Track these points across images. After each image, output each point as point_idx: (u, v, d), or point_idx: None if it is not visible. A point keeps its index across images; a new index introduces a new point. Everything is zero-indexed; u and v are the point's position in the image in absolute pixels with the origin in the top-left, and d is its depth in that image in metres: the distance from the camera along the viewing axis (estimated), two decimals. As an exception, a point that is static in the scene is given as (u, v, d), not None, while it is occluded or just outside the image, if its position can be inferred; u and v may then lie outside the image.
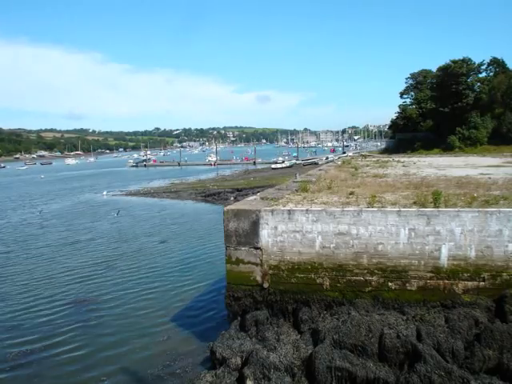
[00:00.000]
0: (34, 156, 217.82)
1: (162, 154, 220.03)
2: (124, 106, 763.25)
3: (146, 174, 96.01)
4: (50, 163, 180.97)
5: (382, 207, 12.83)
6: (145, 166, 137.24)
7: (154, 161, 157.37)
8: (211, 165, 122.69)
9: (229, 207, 14.00)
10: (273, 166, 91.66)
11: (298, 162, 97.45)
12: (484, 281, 11.71)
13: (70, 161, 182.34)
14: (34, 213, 43.07)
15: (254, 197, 16.14)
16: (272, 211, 13.09)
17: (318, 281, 12.81)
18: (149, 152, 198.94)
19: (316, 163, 79.84)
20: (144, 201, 50.52)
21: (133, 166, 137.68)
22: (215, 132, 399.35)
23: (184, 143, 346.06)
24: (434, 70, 62.25)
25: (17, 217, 41.38)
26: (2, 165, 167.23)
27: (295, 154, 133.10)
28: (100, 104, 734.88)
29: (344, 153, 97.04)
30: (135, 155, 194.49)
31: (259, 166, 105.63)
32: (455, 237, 11.77)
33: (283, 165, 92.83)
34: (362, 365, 10.51)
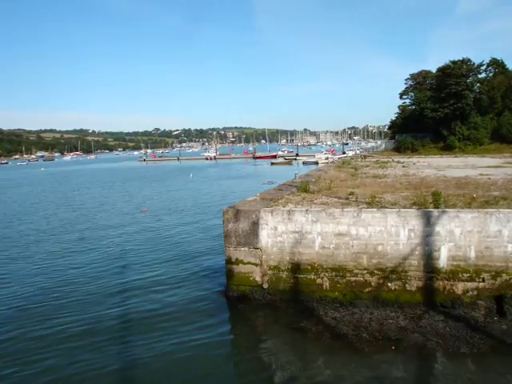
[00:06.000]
0: (34, 156, 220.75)
1: (161, 151, 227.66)
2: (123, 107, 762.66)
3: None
4: (53, 159, 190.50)
5: (382, 208, 12.83)
6: (144, 160, 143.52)
7: (153, 155, 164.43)
8: (209, 159, 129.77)
9: (228, 207, 13.99)
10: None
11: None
12: (484, 281, 11.69)
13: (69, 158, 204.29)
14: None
15: (254, 197, 16.12)
16: (272, 211, 13.09)
17: (317, 281, 12.80)
18: (149, 151, 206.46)
19: (316, 162, 79.73)
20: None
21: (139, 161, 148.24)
22: (215, 132, 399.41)
23: (184, 143, 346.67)
24: (434, 70, 62.34)
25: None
26: (4, 161, 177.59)
27: (291, 150, 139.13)
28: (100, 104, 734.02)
29: (344, 153, 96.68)
30: (135, 153, 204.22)
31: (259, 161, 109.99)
32: (455, 237, 11.76)
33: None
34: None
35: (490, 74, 60.33)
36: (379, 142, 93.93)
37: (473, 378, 9.22)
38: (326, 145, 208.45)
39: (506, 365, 9.60)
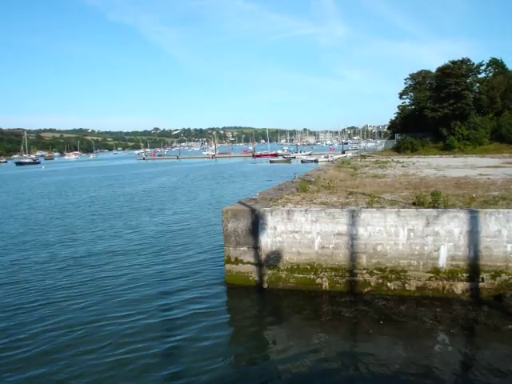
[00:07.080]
0: (33, 156, 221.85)
1: (159, 151, 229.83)
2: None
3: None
4: (53, 158, 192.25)
5: (381, 207, 12.84)
6: (143, 159, 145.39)
7: (152, 154, 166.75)
8: (209, 157, 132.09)
9: (228, 207, 14.00)
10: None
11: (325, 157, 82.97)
12: (483, 281, 11.71)
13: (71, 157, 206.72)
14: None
15: (254, 197, 16.13)
16: (271, 211, 13.09)
17: (317, 281, 12.81)
18: (148, 150, 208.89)
19: (316, 161, 79.92)
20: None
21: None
22: (214, 132, 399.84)
23: (183, 143, 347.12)
24: (434, 70, 62.36)
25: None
26: (3, 160, 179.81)
27: (292, 148, 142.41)
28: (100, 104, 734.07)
29: (343, 152, 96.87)
30: (136, 152, 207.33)
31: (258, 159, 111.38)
32: (454, 237, 11.77)
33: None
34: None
35: (490, 74, 60.37)
36: (379, 142, 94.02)
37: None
38: (326, 144, 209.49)
39: (500, 343, 9.91)
